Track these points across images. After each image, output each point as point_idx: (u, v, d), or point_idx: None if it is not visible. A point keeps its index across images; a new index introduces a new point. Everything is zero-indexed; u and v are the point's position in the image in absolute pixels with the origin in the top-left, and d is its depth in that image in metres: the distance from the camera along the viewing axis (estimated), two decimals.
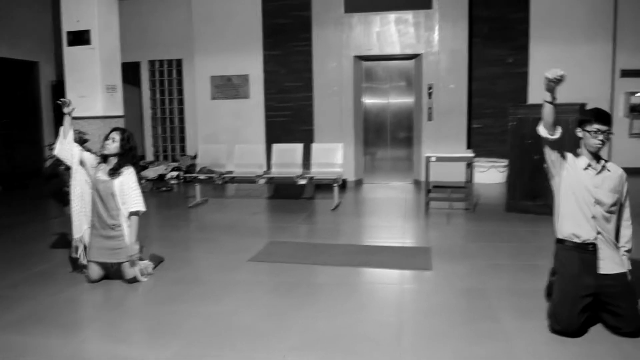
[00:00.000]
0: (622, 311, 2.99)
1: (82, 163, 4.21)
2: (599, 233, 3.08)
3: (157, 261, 4.55)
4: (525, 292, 3.78)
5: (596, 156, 3.13)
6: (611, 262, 3.08)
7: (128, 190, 4.12)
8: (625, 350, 2.86)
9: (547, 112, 3.08)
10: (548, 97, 3.05)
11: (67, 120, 4.20)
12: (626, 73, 9.26)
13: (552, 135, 3.13)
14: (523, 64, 9.26)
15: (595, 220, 3.08)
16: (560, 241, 3.24)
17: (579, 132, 3.16)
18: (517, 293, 3.77)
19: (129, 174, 4.15)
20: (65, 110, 4.18)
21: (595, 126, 3.05)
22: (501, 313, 3.41)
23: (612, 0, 8.86)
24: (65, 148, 4.20)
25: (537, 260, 4.54)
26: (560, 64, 2.96)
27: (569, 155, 3.20)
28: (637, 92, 9.22)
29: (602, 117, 3.07)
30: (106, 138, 4.18)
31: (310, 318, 3.41)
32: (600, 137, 3.05)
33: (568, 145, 3.25)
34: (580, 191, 3.10)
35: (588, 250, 3.09)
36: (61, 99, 4.25)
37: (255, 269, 4.48)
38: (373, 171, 9.53)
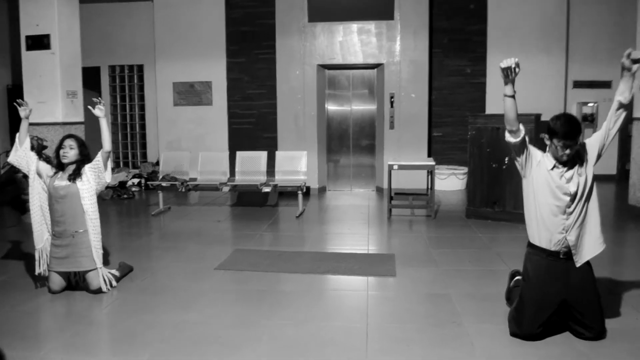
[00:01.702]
0: (587, 320, 3.09)
1: (38, 173, 4.11)
2: (566, 231, 3.09)
3: (127, 270, 4.49)
4: (487, 296, 3.91)
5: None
6: (586, 253, 3.13)
7: (96, 163, 4.09)
8: (581, 351, 3.00)
9: (509, 106, 3.08)
10: (508, 90, 3.05)
11: (23, 125, 4.10)
12: (578, 84, 9.71)
13: (515, 138, 3.11)
14: (481, 75, 9.55)
15: (569, 217, 3.07)
16: (531, 245, 3.27)
17: (546, 140, 3.13)
18: (478, 297, 3.90)
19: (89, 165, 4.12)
20: (22, 113, 4.09)
21: (563, 141, 3.00)
22: (464, 317, 3.52)
23: (564, 14, 9.25)
24: (21, 155, 4.09)
25: (497, 266, 4.70)
26: (516, 59, 3.02)
27: (538, 153, 3.20)
28: (588, 102, 9.64)
29: (570, 134, 2.99)
30: (61, 147, 4.08)
31: (278, 326, 3.45)
32: (567, 151, 3.02)
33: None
34: (550, 192, 3.09)
35: (559, 258, 3.15)
36: (18, 100, 4.16)
37: (221, 278, 4.48)
38: (336, 178, 9.63)
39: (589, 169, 3.12)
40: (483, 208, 6.62)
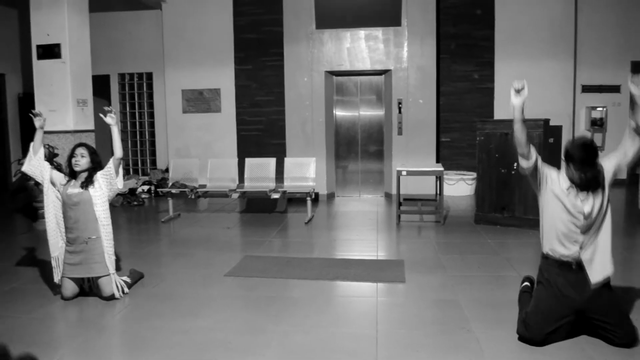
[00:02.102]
0: (612, 326, 3.09)
1: (52, 182, 4.17)
2: (581, 247, 3.15)
3: (138, 277, 4.53)
4: (496, 302, 3.91)
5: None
6: (597, 271, 3.15)
7: (107, 170, 4.14)
8: (591, 356, 3.00)
9: (519, 130, 3.20)
10: (518, 115, 3.17)
11: (38, 135, 4.17)
12: (586, 89, 9.67)
13: (528, 161, 3.21)
14: (489, 80, 9.56)
15: (583, 235, 3.13)
16: (545, 256, 3.33)
17: (564, 163, 3.18)
18: (487, 304, 3.89)
19: (100, 172, 4.17)
20: (37, 123, 4.15)
21: (579, 166, 3.07)
22: (473, 323, 3.52)
23: (572, 19, 9.24)
24: (35, 165, 4.15)
25: (506, 272, 4.70)
26: (524, 80, 3.10)
27: (552, 172, 3.27)
28: (597, 107, 9.61)
29: (587, 160, 3.06)
30: (72, 155, 4.13)
31: (287, 332, 3.46)
32: (584, 176, 3.08)
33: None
34: (564, 210, 3.15)
35: (572, 269, 3.19)
36: (33, 111, 4.23)
37: (231, 284, 4.51)
38: (345, 184, 9.64)
39: (604, 190, 3.16)
40: (492, 213, 6.61)
